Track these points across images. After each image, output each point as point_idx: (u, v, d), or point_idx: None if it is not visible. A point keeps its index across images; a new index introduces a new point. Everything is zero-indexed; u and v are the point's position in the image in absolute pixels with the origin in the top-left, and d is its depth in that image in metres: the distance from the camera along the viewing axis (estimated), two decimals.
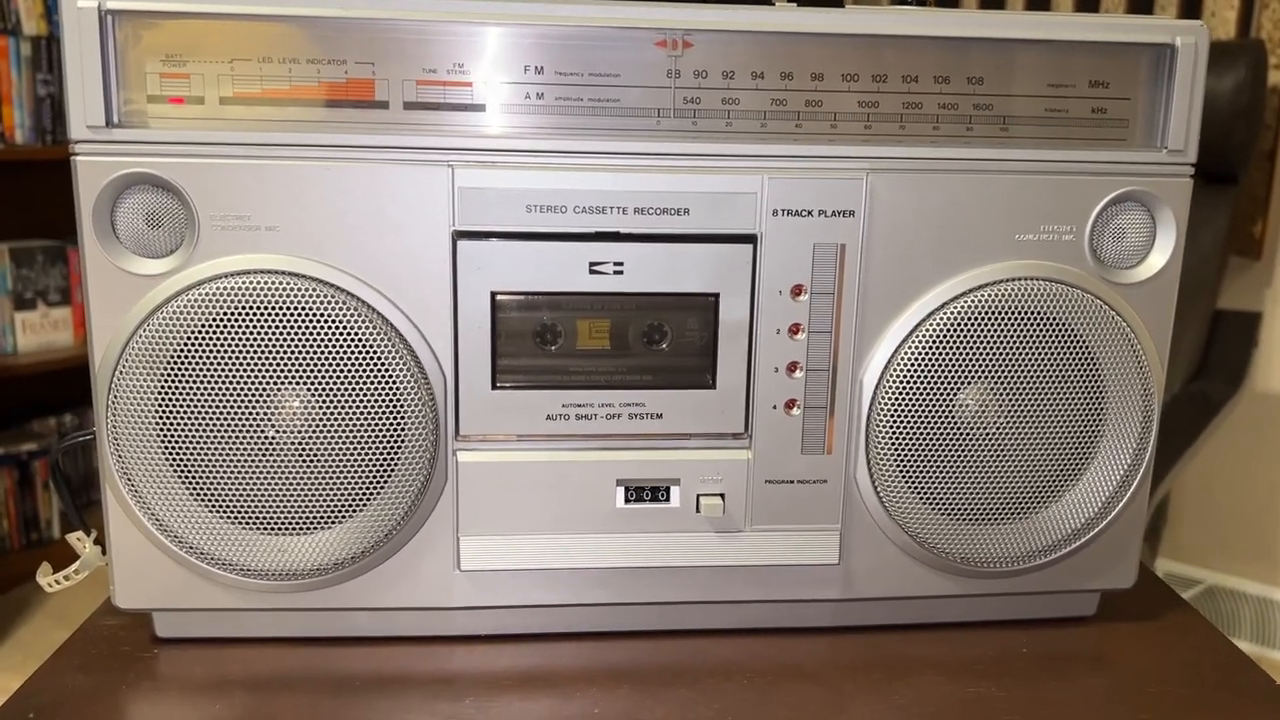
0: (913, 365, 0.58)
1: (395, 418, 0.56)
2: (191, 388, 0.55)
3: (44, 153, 2.43)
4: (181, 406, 0.55)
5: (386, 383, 0.56)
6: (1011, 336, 0.59)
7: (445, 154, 0.55)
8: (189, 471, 0.56)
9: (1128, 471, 0.62)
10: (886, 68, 0.57)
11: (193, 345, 0.55)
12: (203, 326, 0.55)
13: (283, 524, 0.58)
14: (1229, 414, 1.89)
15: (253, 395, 0.55)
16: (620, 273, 0.56)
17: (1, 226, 2.46)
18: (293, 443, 0.56)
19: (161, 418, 0.56)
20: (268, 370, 0.55)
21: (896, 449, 0.59)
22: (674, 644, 0.62)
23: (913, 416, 0.59)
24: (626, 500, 0.60)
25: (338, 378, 0.56)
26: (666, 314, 0.58)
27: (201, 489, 0.57)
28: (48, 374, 2.44)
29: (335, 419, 0.56)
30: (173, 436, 0.56)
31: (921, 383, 0.59)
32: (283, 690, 0.57)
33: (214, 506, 0.57)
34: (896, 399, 0.59)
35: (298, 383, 0.56)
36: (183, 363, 0.55)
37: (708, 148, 0.56)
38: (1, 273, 2.43)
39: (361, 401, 0.56)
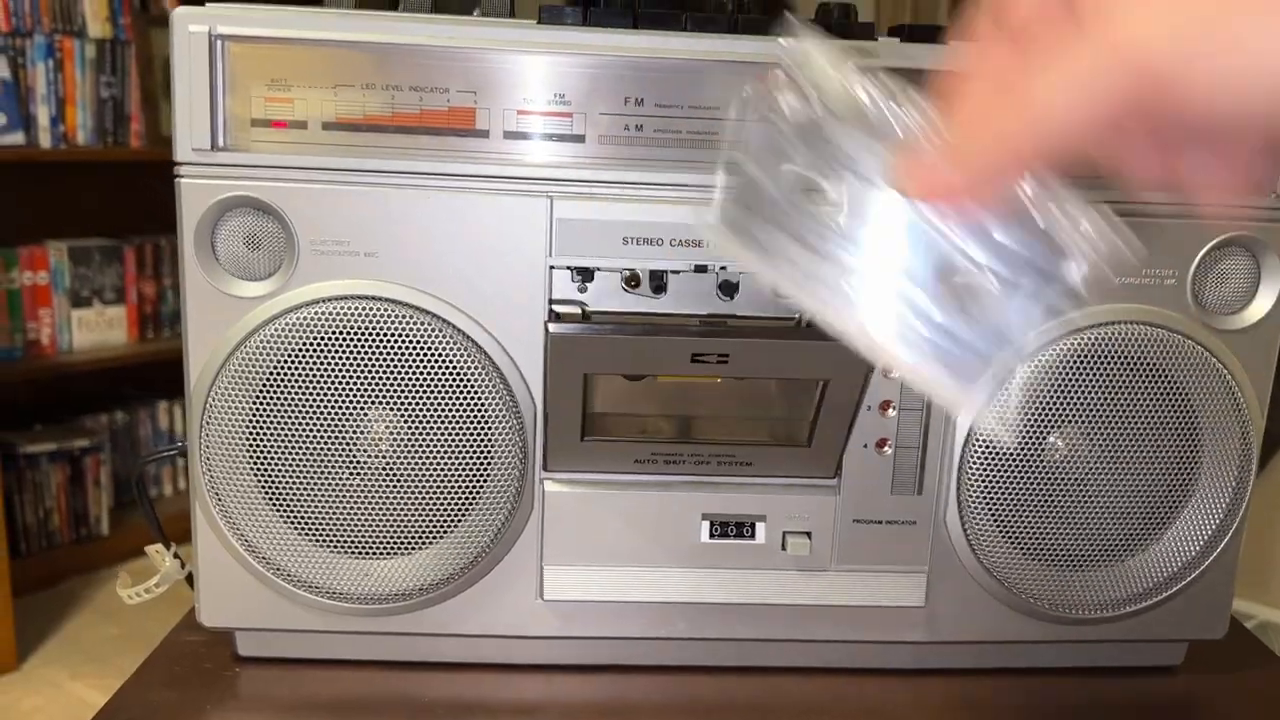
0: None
1: (484, 445, 0.56)
2: (284, 411, 0.55)
3: (104, 154, 2.47)
4: (274, 429, 0.56)
5: (477, 410, 0.56)
6: (1110, 381, 0.58)
7: (544, 185, 0.55)
8: (278, 493, 0.57)
9: (1223, 520, 0.61)
10: None
11: (287, 368, 0.55)
12: (298, 350, 0.55)
13: (368, 548, 0.58)
14: None
15: (344, 419, 0.56)
16: (725, 363, 0.55)
17: (60, 225, 2.50)
18: (381, 466, 0.57)
19: (253, 439, 0.56)
20: (361, 394, 0.55)
21: (988, 491, 0.58)
22: (755, 681, 0.61)
23: (1007, 459, 0.58)
24: (711, 535, 0.59)
25: (429, 404, 0.56)
26: (767, 383, 0.58)
27: (289, 511, 0.57)
28: (101, 371, 2.48)
29: (425, 445, 0.56)
30: (264, 458, 0.56)
31: (1017, 424, 0.58)
32: (364, 714, 0.57)
33: (300, 528, 0.57)
34: (991, 441, 0.58)
35: (389, 408, 0.56)
36: (276, 385, 0.55)
37: None
38: (59, 271, 2.46)
39: (451, 428, 0.56)
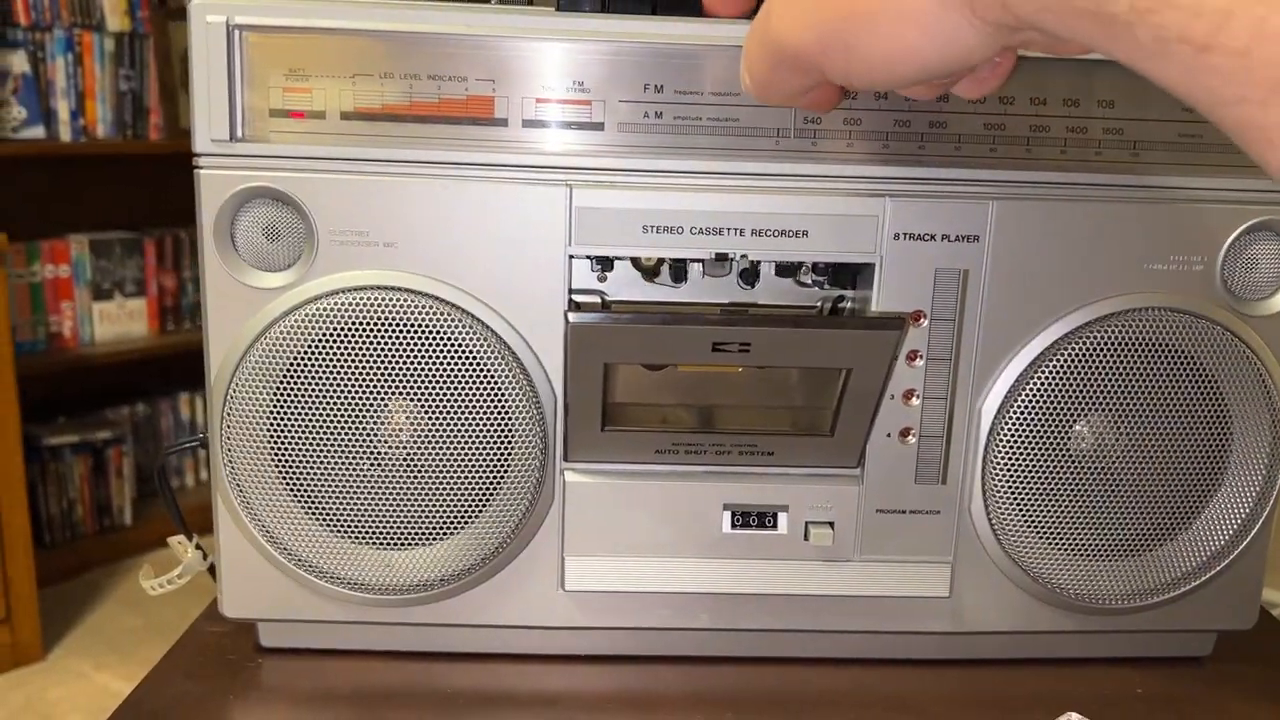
0: (1036, 396, 0.57)
1: (504, 434, 0.56)
2: (305, 401, 0.55)
3: (124, 146, 2.49)
4: (294, 419, 0.56)
5: (497, 399, 0.56)
6: (1138, 369, 0.57)
7: (563, 173, 0.55)
8: (299, 484, 0.57)
9: (1253, 509, 0.60)
10: (1013, 89, 0.55)
11: (308, 359, 0.55)
12: (318, 341, 0.55)
13: (390, 538, 0.58)
14: None
15: (365, 409, 0.56)
16: (746, 351, 0.54)
17: (81, 218, 2.52)
18: (401, 457, 0.56)
19: (274, 430, 0.56)
20: (381, 385, 0.55)
21: (1014, 481, 0.58)
22: (778, 671, 0.61)
23: (1032, 448, 0.57)
24: (733, 525, 0.59)
25: (449, 394, 0.55)
26: (789, 371, 0.57)
27: (311, 502, 0.57)
28: (122, 364, 2.50)
29: (445, 435, 0.56)
30: (285, 449, 0.56)
31: (1043, 414, 0.57)
32: (387, 704, 0.57)
33: (323, 519, 0.57)
34: (1017, 430, 0.57)
35: (410, 398, 0.56)
36: (297, 376, 0.55)
37: (828, 169, 0.55)
38: (81, 264, 2.48)
39: (472, 418, 0.56)
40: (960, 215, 0.56)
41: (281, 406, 0.56)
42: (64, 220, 2.49)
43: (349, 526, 0.57)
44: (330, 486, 0.57)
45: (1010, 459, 0.58)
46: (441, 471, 0.56)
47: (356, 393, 0.55)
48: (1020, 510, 0.58)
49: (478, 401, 0.56)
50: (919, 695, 0.60)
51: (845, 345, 0.54)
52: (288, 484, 0.57)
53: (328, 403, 0.55)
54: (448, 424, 0.56)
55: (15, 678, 2.01)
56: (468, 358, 0.55)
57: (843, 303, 0.60)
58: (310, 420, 0.56)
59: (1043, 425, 0.57)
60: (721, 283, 0.60)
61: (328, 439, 0.56)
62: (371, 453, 0.56)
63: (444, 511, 0.57)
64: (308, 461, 0.56)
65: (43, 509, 2.38)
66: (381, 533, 0.57)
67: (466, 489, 0.57)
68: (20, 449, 2.00)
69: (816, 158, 0.55)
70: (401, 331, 0.55)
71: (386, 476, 0.57)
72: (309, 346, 0.55)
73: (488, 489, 0.57)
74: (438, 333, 0.55)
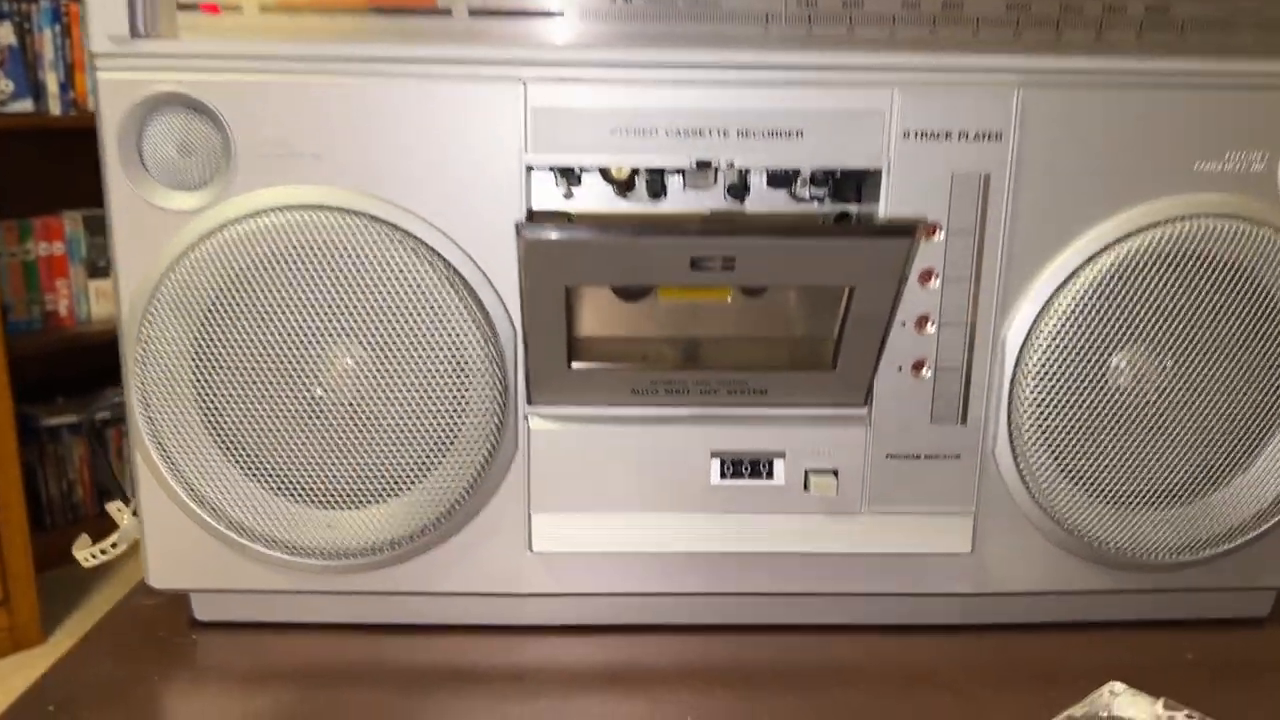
0: (1068, 320, 0.50)
1: (457, 375, 0.49)
2: (229, 340, 0.49)
3: None
4: (218, 361, 0.49)
5: (448, 336, 0.49)
6: (1186, 286, 0.50)
7: (517, 68, 0.48)
8: (227, 436, 0.50)
9: None
10: None
11: (229, 291, 0.48)
12: (240, 270, 0.48)
13: (332, 496, 0.52)
14: None
15: (298, 349, 0.49)
16: (731, 270, 0.48)
17: (75, 194, 2.48)
18: (343, 403, 0.50)
19: (196, 374, 0.50)
20: (315, 321, 0.49)
21: (1044, 419, 0.51)
22: (778, 641, 0.56)
23: (1065, 381, 0.51)
24: (722, 475, 0.53)
25: (393, 330, 0.49)
26: (784, 295, 0.51)
27: (241, 456, 0.51)
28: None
29: (390, 377, 0.49)
30: (209, 396, 0.50)
31: (1077, 340, 0.51)
32: (334, 683, 0.52)
33: (255, 475, 0.51)
34: (1046, 360, 0.51)
35: (348, 336, 0.49)
36: (218, 311, 0.49)
37: (826, 58, 0.48)
38: (75, 241, 2.44)
39: (420, 358, 0.49)
40: (980, 109, 0.49)
41: (204, 349, 0.49)
42: (56, 196, 2.45)
43: (286, 483, 0.51)
44: (262, 438, 0.50)
45: (1040, 394, 0.51)
46: (387, 419, 0.50)
47: (286, 329, 0.49)
48: (1052, 453, 0.52)
49: (424, 337, 0.49)
50: (938, 665, 0.54)
51: (847, 258, 0.47)
52: (214, 437, 0.50)
53: (255, 341, 0.49)
54: (391, 364, 0.49)
55: (15, 661, 1.98)
56: (410, 286, 0.48)
57: (846, 219, 0.52)
58: (236, 361, 0.49)
59: (1076, 354, 0.51)
60: (705, 196, 0.53)
61: (257, 382, 0.49)
62: (308, 398, 0.50)
63: (393, 465, 0.51)
64: (236, 411, 0.50)
65: (42, 491, 2.35)
66: (323, 490, 0.51)
67: (417, 439, 0.50)
68: (14, 430, 1.96)
69: (812, 45, 0.49)
70: (334, 258, 0.48)
71: (326, 425, 0.50)
72: (230, 275, 0.48)
73: (441, 439, 0.50)
74: (375, 258, 0.48)
